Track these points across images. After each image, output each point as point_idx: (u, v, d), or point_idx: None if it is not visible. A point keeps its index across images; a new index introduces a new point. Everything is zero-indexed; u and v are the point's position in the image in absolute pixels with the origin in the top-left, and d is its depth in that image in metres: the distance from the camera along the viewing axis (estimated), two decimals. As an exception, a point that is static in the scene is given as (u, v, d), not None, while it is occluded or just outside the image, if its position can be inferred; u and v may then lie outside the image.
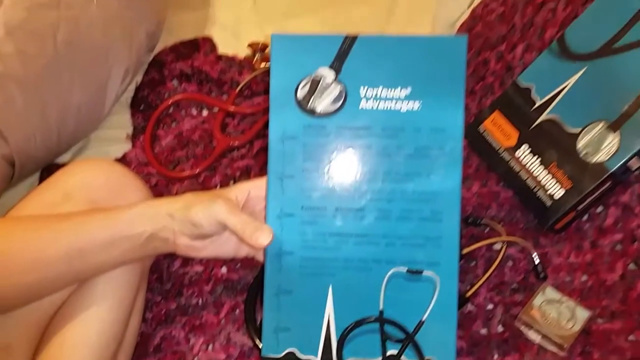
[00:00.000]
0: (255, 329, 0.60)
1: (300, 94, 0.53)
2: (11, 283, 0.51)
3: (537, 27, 0.81)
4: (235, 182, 0.80)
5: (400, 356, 0.52)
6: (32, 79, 0.71)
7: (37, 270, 0.51)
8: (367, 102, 0.53)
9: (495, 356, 0.61)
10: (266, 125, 0.85)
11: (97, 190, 0.59)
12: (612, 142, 0.65)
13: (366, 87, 0.53)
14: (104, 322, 0.55)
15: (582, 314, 0.62)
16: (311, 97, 0.53)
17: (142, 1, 0.86)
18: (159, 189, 0.78)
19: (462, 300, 0.63)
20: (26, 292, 0.53)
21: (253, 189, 0.56)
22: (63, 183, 0.59)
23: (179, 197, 0.54)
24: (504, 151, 0.73)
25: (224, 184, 0.79)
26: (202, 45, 0.98)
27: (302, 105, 0.53)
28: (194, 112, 0.90)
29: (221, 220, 0.51)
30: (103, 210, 0.54)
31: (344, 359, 0.52)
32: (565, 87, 0.70)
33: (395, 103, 0.53)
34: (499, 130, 0.74)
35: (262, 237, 0.50)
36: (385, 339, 0.53)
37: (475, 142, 0.77)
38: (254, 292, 0.63)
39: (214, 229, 0.52)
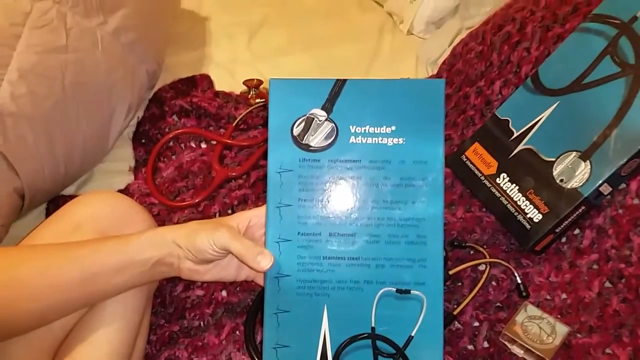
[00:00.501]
0: (254, 349, 0.64)
1: (296, 131, 0.58)
2: (25, 309, 0.54)
3: (513, 64, 0.87)
4: (233, 210, 0.84)
5: (392, 370, 0.56)
6: (41, 117, 0.75)
7: (51, 295, 0.54)
8: (356, 137, 0.58)
9: (481, 370, 0.65)
10: (262, 157, 0.91)
11: (105, 220, 0.63)
12: (584, 170, 0.70)
13: (355, 126, 0.58)
14: (112, 343, 0.58)
15: (562, 329, 0.66)
16: (306, 134, 0.58)
17: (144, 45, 0.92)
18: (161, 218, 0.82)
19: (450, 318, 0.67)
20: (39, 316, 0.55)
21: (253, 217, 0.61)
22: (73, 214, 0.63)
23: (183, 225, 0.58)
24: (485, 179, 0.78)
25: (223, 212, 0.83)
26: (199, 82, 1.04)
27: (298, 141, 0.58)
28: (193, 145, 0.94)
29: (225, 246, 0.55)
30: (114, 238, 0.58)
31: (340, 374, 0.56)
32: (540, 119, 0.76)
33: (381, 139, 0.58)
34: (480, 159, 0.79)
35: (264, 261, 0.55)
36: (377, 353, 0.56)
37: (459, 170, 0.83)
38: (253, 314, 0.67)
39: (217, 255, 0.57)
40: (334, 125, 0.58)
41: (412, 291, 0.57)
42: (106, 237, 0.59)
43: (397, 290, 0.57)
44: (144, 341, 0.65)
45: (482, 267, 0.74)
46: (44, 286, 0.54)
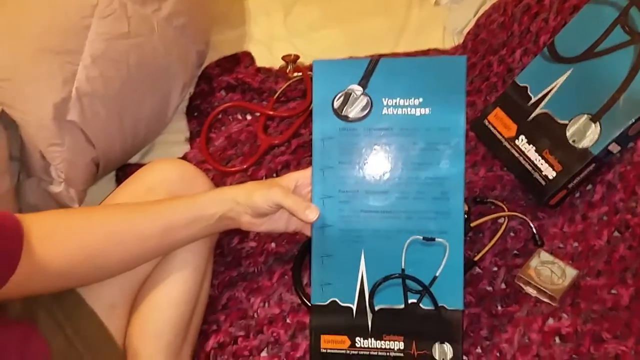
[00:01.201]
0: (301, 289, 0.75)
1: (336, 104, 0.67)
2: (117, 256, 0.64)
3: (532, 34, 0.94)
4: (277, 174, 0.94)
5: (419, 303, 0.66)
6: (112, 96, 0.87)
7: (137, 245, 0.65)
8: (388, 109, 0.67)
9: (499, 307, 0.74)
10: (301, 126, 1.00)
11: (174, 183, 0.73)
12: (594, 131, 0.78)
13: (387, 98, 0.67)
14: (185, 283, 0.70)
15: (571, 272, 0.75)
16: (344, 106, 0.67)
17: (193, 27, 1.01)
18: (215, 181, 0.93)
19: (471, 264, 0.77)
20: (126, 263, 0.66)
21: (300, 178, 0.70)
22: (146, 179, 0.74)
23: (242, 185, 0.69)
24: (505, 141, 0.86)
25: (269, 176, 0.94)
26: (242, 59, 1.14)
27: (338, 113, 0.67)
28: (240, 117, 1.05)
29: (278, 202, 0.65)
30: (184, 198, 0.68)
31: (375, 306, 0.66)
32: (555, 85, 0.83)
33: (410, 109, 0.67)
34: (501, 123, 0.87)
35: (312, 214, 0.65)
36: (406, 290, 0.66)
37: (482, 133, 0.91)
38: (299, 261, 0.78)
39: (271, 209, 0.67)
40: (369, 98, 0.67)
41: (436, 239, 0.66)
42: (177, 197, 0.69)
43: (424, 238, 0.66)
44: (209, 283, 0.77)
45: (501, 220, 0.82)
46: (131, 237, 0.65)
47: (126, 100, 0.89)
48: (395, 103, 0.67)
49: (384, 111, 0.67)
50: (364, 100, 0.67)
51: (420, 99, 0.66)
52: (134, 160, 0.99)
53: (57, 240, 0.60)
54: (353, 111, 0.67)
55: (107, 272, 0.66)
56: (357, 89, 0.67)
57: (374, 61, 0.67)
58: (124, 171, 0.96)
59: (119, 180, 0.96)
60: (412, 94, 0.66)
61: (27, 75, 0.80)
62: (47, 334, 0.66)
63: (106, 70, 0.86)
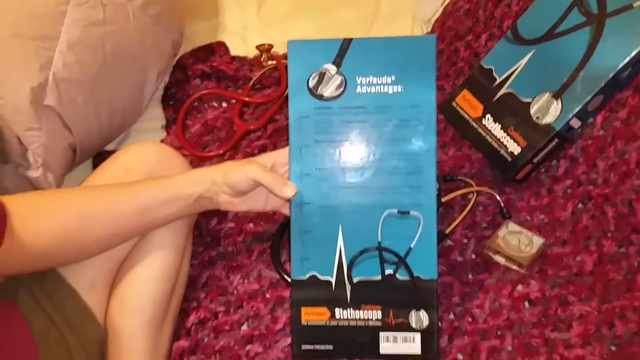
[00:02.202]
0: (280, 266, 0.77)
1: (311, 83, 0.69)
2: (95, 235, 0.65)
3: (496, 19, 0.98)
4: (255, 159, 0.96)
5: (395, 274, 0.69)
6: (88, 82, 0.88)
7: (115, 224, 0.66)
8: (362, 87, 0.69)
9: (470, 276, 0.78)
10: (277, 112, 1.03)
11: (152, 165, 0.74)
12: (556, 107, 0.82)
13: (360, 77, 0.69)
14: (163, 262, 0.71)
15: (538, 241, 0.79)
16: (319, 85, 0.69)
17: (167, 16, 1.03)
18: (193, 167, 0.94)
19: (442, 236, 0.80)
20: (105, 242, 0.67)
21: (277, 157, 0.72)
22: (123, 160, 0.74)
23: (220, 164, 0.70)
24: (472, 121, 0.90)
25: (246, 160, 0.96)
26: (216, 49, 1.15)
27: (313, 92, 0.69)
28: (215, 104, 1.07)
29: (256, 179, 0.66)
30: (162, 178, 0.69)
31: (353, 278, 0.69)
32: (519, 66, 0.87)
33: (383, 87, 0.69)
34: (468, 104, 0.91)
35: (289, 191, 0.67)
36: (383, 262, 0.69)
37: (450, 115, 0.94)
38: (278, 239, 0.80)
39: (249, 187, 0.68)
40: (343, 77, 0.69)
41: (410, 212, 0.69)
42: (155, 177, 0.70)
43: (399, 212, 0.69)
44: (188, 263, 0.78)
45: (470, 196, 0.86)
46: (109, 217, 0.65)
47: (103, 87, 0.90)
48: (369, 81, 0.69)
49: (358, 89, 0.69)
50: (338, 79, 0.69)
51: (393, 77, 0.69)
52: (110, 147, 1.00)
53: (37, 220, 0.61)
54: (328, 90, 0.69)
55: (87, 252, 0.67)
56: (332, 68, 0.69)
57: (347, 40, 0.69)
58: (100, 158, 0.97)
59: (96, 168, 0.96)
60: (384, 72, 0.69)
61: (4, 60, 0.81)
62: (28, 314, 0.66)
63: (82, 56, 0.86)
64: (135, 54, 0.95)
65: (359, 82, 0.69)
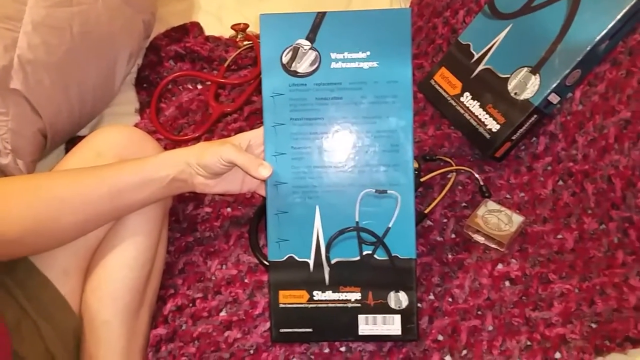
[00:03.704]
0: (258, 250, 0.75)
1: (285, 59, 0.68)
2: (66, 222, 0.63)
3: (474, -6, 0.96)
4: (231, 142, 0.94)
5: (374, 254, 0.68)
6: (56, 64, 0.85)
7: (86, 209, 0.64)
8: (336, 63, 0.68)
9: (449, 255, 0.77)
10: (253, 93, 1.00)
11: (123, 148, 0.72)
12: (534, 82, 0.81)
13: (335, 52, 0.67)
14: (138, 249, 0.69)
15: (517, 219, 0.78)
16: (293, 61, 0.68)
17: (138, -5, 1.00)
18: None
19: (422, 217, 0.79)
20: (78, 228, 0.65)
21: (252, 137, 0.70)
22: (94, 144, 0.72)
23: (193, 145, 0.69)
24: (451, 99, 0.89)
25: (222, 144, 0.94)
26: (190, 30, 1.12)
27: (287, 68, 0.68)
28: (190, 86, 1.04)
29: (230, 159, 0.65)
30: (134, 160, 0.67)
31: (331, 259, 0.68)
32: (496, 41, 0.86)
33: (358, 63, 0.68)
34: (446, 82, 0.90)
35: (264, 171, 0.65)
36: (361, 242, 0.68)
37: (429, 93, 0.93)
38: (256, 222, 0.78)
39: (224, 168, 0.66)
40: (317, 53, 0.68)
41: (388, 191, 0.68)
42: (127, 160, 0.68)
43: (376, 191, 0.68)
44: (164, 249, 0.77)
45: (449, 175, 0.85)
46: (80, 202, 0.64)
47: (71, 68, 0.87)
48: (343, 57, 0.67)
49: (333, 65, 0.67)
50: (312, 55, 0.68)
51: (368, 52, 0.67)
52: (84, 132, 0.97)
53: (7, 207, 0.60)
54: (302, 66, 0.68)
55: (59, 238, 0.65)
56: (305, 44, 0.67)
57: (321, 14, 0.67)
58: (73, 143, 0.94)
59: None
60: (359, 48, 0.67)
61: (-36, 41, 0.77)
62: (0, 305, 0.64)
63: (48, 37, 0.83)
64: (105, 34, 0.92)
65: (333, 57, 0.68)
